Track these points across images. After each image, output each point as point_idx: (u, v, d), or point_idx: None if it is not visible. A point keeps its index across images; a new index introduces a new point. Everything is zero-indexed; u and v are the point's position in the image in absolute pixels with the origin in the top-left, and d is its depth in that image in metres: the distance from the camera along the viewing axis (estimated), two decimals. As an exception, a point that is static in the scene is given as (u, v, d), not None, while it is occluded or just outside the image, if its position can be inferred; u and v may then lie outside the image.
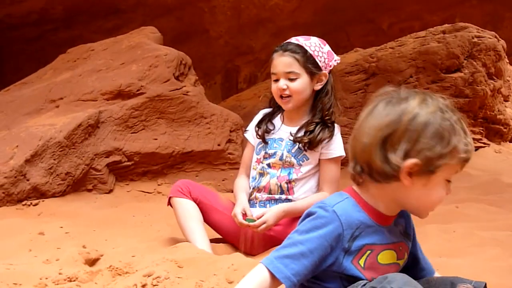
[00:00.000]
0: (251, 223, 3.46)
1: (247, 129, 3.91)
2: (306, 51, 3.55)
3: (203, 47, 11.08)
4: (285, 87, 3.55)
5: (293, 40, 3.62)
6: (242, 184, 3.79)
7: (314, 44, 3.60)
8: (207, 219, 3.75)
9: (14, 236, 4.06)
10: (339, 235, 2.04)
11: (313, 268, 2.04)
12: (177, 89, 5.90)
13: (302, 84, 3.57)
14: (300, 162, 3.65)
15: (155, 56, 6.04)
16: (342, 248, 2.06)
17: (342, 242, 2.05)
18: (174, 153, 5.71)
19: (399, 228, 2.20)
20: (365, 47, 8.01)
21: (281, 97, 3.60)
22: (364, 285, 2.02)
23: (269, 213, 3.50)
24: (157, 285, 2.98)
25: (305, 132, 3.63)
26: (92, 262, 3.53)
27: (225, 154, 5.83)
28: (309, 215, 2.10)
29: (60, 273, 3.17)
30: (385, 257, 2.13)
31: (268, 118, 3.79)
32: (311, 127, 3.62)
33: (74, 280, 3.06)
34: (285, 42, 3.64)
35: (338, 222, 2.04)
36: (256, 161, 3.77)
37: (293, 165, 3.65)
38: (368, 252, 2.09)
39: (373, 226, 2.10)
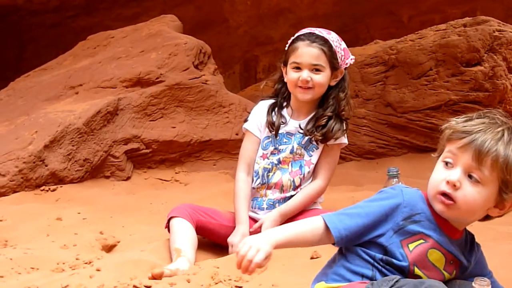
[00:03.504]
0: None
1: (247, 119, 3.81)
2: (331, 45, 3.53)
3: (222, 36, 11.07)
4: (309, 78, 3.50)
5: (316, 31, 3.55)
6: (244, 191, 3.65)
7: (335, 40, 3.57)
8: (215, 237, 3.64)
9: (32, 221, 4.09)
10: (397, 206, 2.15)
11: (364, 229, 2.15)
12: (196, 77, 5.90)
13: (325, 78, 3.54)
14: (310, 152, 3.63)
15: (175, 45, 6.05)
16: (395, 223, 2.15)
17: (397, 217, 2.15)
18: (192, 142, 5.72)
19: (461, 248, 2.25)
20: (385, 39, 7.97)
21: (299, 87, 3.55)
22: (397, 281, 2.05)
23: (266, 223, 3.47)
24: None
25: (316, 127, 3.60)
26: (109, 248, 3.56)
27: (243, 144, 5.82)
28: (379, 193, 2.24)
29: (77, 258, 3.20)
30: (435, 256, 2.19)
31: (278, 110, 3.71)
32: (323, 121, 3.59)
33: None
34: (306, 32, 3.58)
35: (401, 198, 2.17)
36: (261, 156, 3.70)
37: (303, 156, 3.64)
38: (421, 241, 2.16)
39: (434, 224, 2.17)
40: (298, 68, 3.54)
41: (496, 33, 6.44)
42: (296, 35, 3.63)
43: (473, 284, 2.00)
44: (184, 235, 3.37)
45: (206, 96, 5.89)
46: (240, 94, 7.11)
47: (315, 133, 3.59)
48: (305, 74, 3.51)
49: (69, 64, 6.51)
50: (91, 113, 5.24)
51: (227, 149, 5.85)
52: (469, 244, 2.28)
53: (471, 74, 6.35)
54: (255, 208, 3.68)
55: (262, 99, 3.84)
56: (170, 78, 5.77)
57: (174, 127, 5.69)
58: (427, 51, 6.59)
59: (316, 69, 3.51)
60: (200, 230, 3.52)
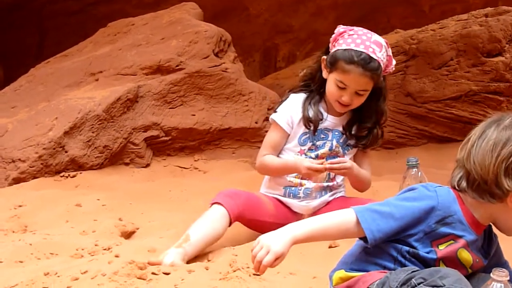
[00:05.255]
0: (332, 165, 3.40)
1: (276, 111, 3.67)
2: (381, 69, 3.40)
3: (242, 24, 11.05)
4: (351, 101, 3.43)
5: (370, 52, 3.34)
6: (276, 158, 3.60)
7: (384, 55, 3.42)
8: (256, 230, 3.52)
9: (52, 207, 4.11)
10: (431, 209, 2.12)
11: (396, 232, 2.13)
12: (216, 65, 5.90)
13: (366, 97, 3.47)
14: (345, 151, 3.62)
15: (195, 32, 6.05)
16: (428, 225, 2.13)
17: (430, 220, 2.13)
18: (212, 130, 5.72)
19: (481, 243, 2.25)
20: (405, 28, 7.94)
21: (338, 102, 3.45)
22: (415, 271, 2.05)
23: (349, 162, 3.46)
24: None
25: (357, 138, 3.59)
26: (128, 235, 3.58)
27: (262, 132, 5.78)
28: (410, 190, 2.20)
29: (96, 245, 3.21)
30: (464, 256, 2.19)
31: (314, 105, 3.60)
32: (364, 132, 3.59)
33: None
34: (363, 53, 3.33)
35: (436, 201, 2.13)
36: (299, 152, 3.59)
37: (338, 153, 3.60)
38: (452, 242, 2.15)
39: (465, 225, 2.15)
40: (342, 88, 3.42)
41: (518, 24, 6.39)
42: (349, 44, 3.39)
43: (491, 275, 1.99)
44: (207, 228, 3.21)
45: (226, 84, 5.89)
46: (260, 83, 7.10)
47: (357, 142, 3.60)
48: (348, 98, 3.41)
49: (89, 51, 6.52)
50: (111, 100, 5.26)
51: (247, 137, 5.86)
52: (487, 235, 2.27)
53: (492, 65, 6.32)
54: (289, 196, 3.61)
55: (291, 92, 3.74)
56: (190, 66, 5.77)
57: (194, 115, 5.70)
58: (448, 41, 6.56)
59: (360, 94, 3.43)
60: (243, 222, 3.45)
